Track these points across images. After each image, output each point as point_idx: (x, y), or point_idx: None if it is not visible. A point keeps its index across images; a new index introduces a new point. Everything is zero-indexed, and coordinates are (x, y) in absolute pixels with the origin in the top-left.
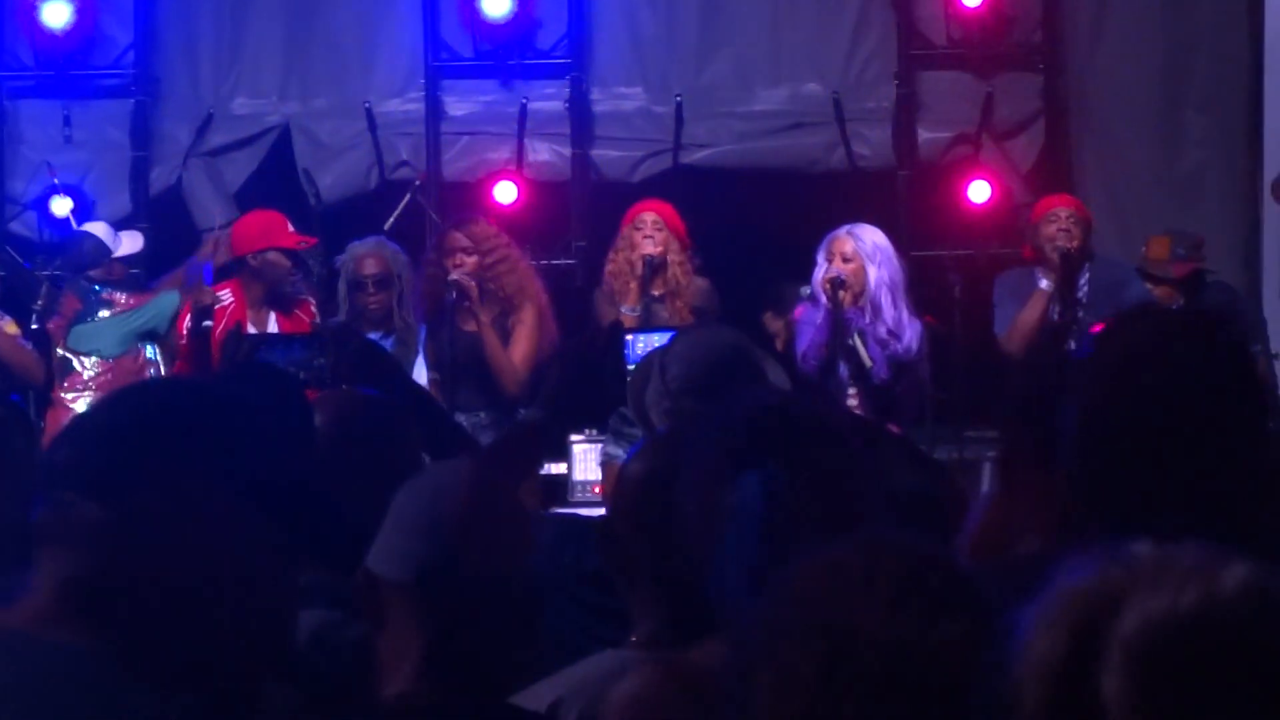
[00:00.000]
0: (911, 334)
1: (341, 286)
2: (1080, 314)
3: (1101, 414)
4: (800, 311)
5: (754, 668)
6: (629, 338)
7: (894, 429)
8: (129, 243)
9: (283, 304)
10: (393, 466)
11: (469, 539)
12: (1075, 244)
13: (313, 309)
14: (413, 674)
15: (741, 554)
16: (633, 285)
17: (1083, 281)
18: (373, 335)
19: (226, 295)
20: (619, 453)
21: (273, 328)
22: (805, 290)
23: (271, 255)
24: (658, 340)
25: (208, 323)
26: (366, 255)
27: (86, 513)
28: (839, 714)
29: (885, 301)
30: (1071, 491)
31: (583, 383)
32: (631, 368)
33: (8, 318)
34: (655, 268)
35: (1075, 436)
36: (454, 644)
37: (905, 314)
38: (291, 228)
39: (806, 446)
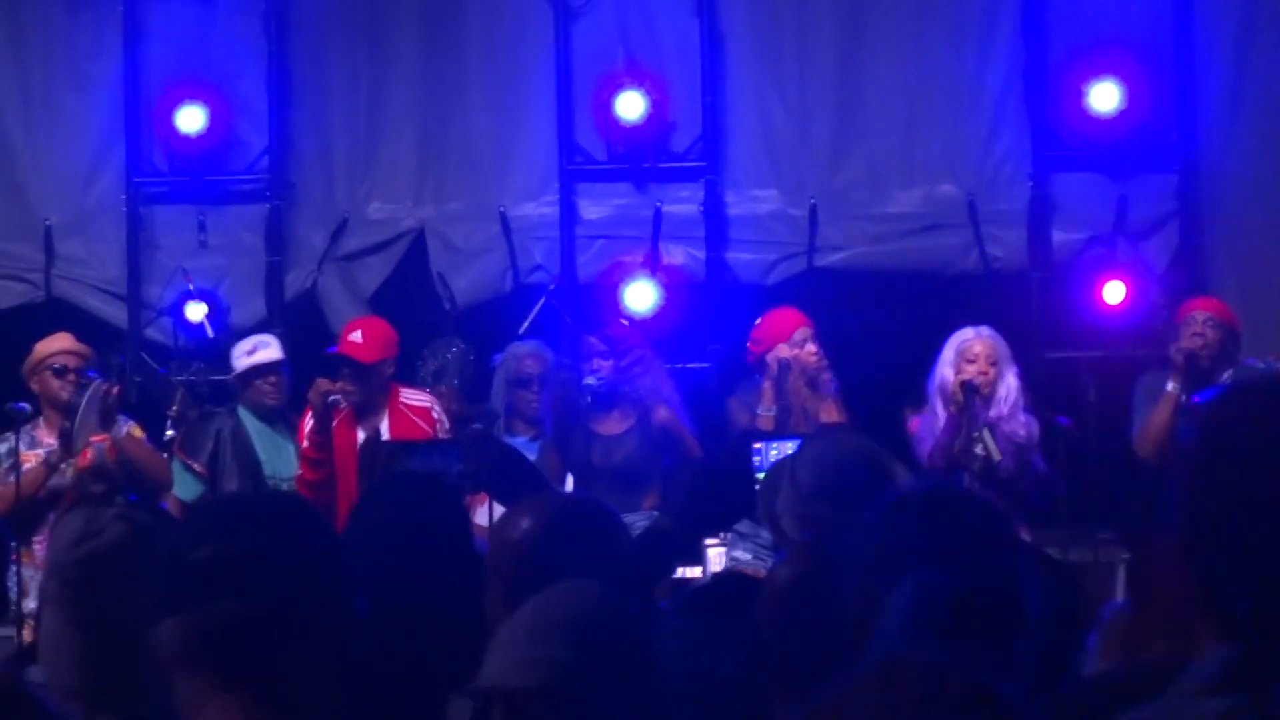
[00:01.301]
0: (1032, 427)
1: (499, 384)
2: None
3: (1206, 499)
4: (916, 424)
5: None
6: (759, 446)
7: (1023, 532)
8: (259, 354)
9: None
10: (602, 566)
11: (596, 646)
12: (1200, 345)
13: (434, 414)
14: None
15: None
16: (766, 386)
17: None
18: (524, 438)
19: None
20: (745, 557)
21: (384, 430)
22: (931, 393)
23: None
24: (789, 448)
25: (335, 397)
26: (528, 355)
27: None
28: None
29: (1017, 401)
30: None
31: (714, 489)
32: (761, 475)
33: (132, 422)
34: (786, 369)
35: (1180, 529)
36: None
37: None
38: (350, 336)
39: (969, 546)
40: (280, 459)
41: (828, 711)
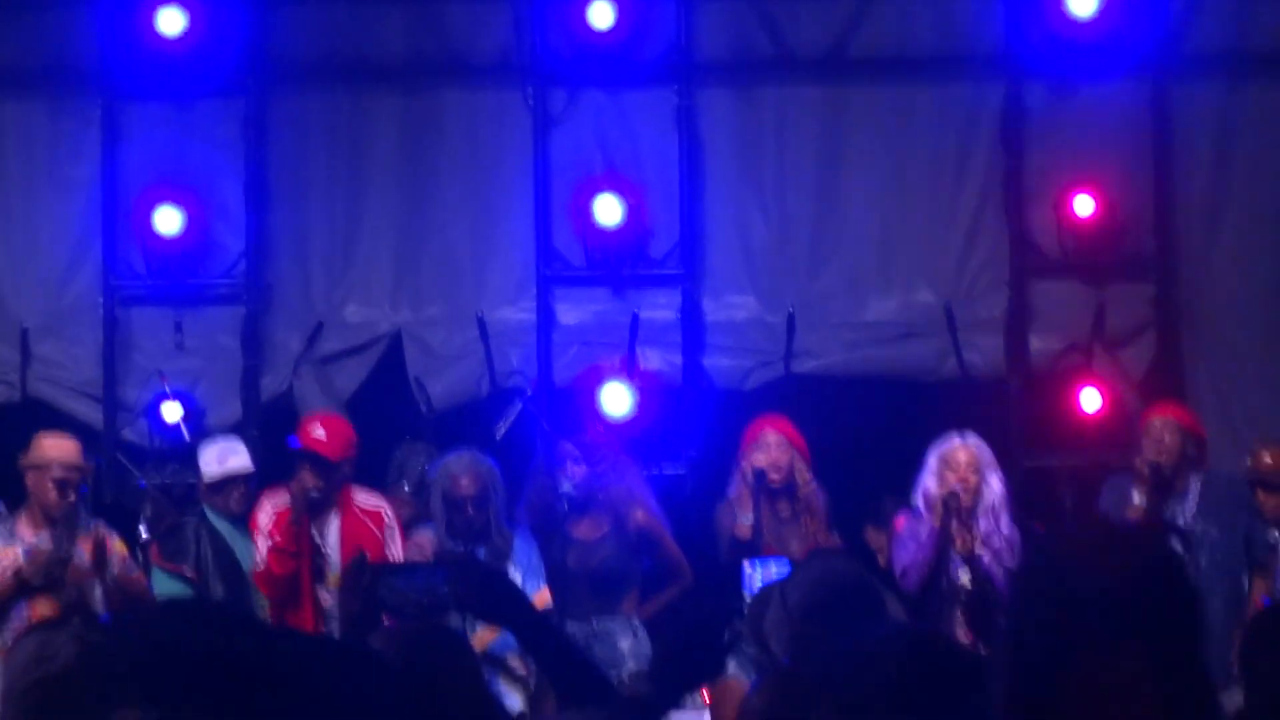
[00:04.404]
0: (1014, 538)
1: (436, 501)
2: (1184, 530)
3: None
4: (902, 523)
5: None
6: (747, 570)
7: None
8: (230, 462)
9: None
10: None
11: None
12: (1159, 454)
13: (384, 518)
14: None
15: None
16: (743, 493)
17: (1191, 495)
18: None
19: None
20: (730, 667)
21: (333, 530)
22: (916, 501)
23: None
24: (774, 569)
25: (316, 495)
26: (461, 475)
27: None
28: None
29: (1004, 513)
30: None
31: (694, 643)
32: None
33: (115, 534)
34: (773, 488)
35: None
36: None
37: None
38: (313, 432)
39: (949, 696)
40: (250, 557)
41: None
